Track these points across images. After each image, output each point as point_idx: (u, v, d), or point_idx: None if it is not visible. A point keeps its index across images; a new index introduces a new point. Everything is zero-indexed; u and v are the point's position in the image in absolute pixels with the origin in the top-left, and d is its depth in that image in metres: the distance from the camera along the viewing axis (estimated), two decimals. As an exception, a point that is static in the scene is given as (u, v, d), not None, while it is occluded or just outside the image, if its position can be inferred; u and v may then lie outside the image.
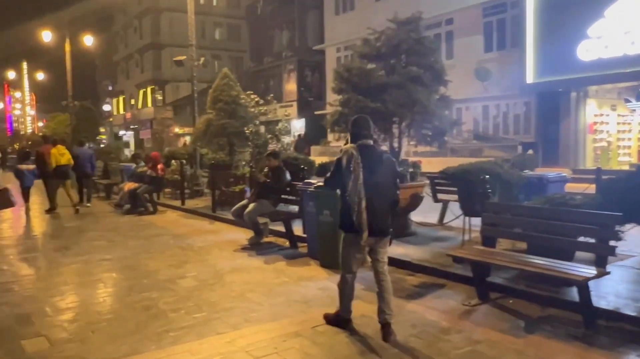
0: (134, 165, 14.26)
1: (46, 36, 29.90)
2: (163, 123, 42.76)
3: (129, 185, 13.18)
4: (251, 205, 8.45)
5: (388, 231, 4.55)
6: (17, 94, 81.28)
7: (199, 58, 15.13)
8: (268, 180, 8.61)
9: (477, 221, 6.73)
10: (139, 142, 52.08)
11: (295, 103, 32.74)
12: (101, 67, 66.45)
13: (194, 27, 15.04)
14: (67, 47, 29.37)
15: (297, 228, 8.43)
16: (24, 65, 73.76)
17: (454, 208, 8.44)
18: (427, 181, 9.03)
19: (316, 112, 27.09)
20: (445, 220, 9.15)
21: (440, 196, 9.25)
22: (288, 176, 8.68)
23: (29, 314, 5.42)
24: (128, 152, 30.27)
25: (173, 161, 15.73)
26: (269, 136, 13.02)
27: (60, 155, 13.27)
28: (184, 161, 15.09)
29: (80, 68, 59.34)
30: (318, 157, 17.92)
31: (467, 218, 7.52)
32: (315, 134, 26.05)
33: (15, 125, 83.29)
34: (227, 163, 12.77)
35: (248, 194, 10.42)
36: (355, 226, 4.33)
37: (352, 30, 25.50)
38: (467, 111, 21.79)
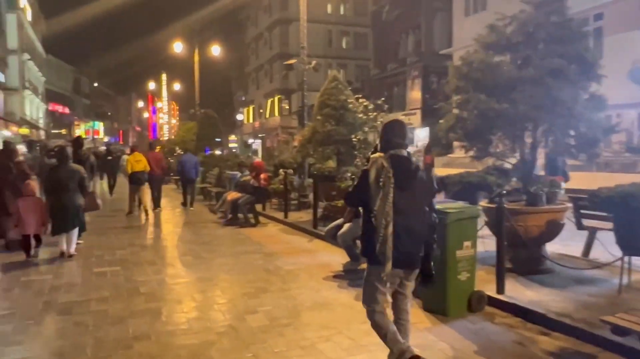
0: (239, 174, 13.63)
1: (182, 49, 31.58)
2: (286, 131, 43.04)
3: (232, 195, 12.52)
4: (346, 226, 7.16)
5: (419, 262, 3.77)
6: (160, 104, 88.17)
7: (310, 62, 14.24)
8: (367, 196, 7.24)
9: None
10: (266, 150, 53.18)
11: (419, 112, 30.93)
12: (236, 78, 69.37)
13: (305, 28, 14.21)
14: (196, 58, 30.61)
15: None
16: (163, 76, 79.89)
17: (605, 238, 6.53)
18: (570, 205, 7.14)
19: (441, 121, 25.15)
20: (593, 254, 7.21)
21: (586, 222, 7.31)
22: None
23: (63, 351, 4.60)
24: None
25: (281, 170, 14.93)
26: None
27: (136, 162, 13.35)
28: (292, 170, 14.24)
29: (219, 80, 62.75)
30: (442, 169, 16.29)
31: (626, 256, 5.63)
32: (441, 144, 24.17)
33: (159, 133, 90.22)
34: (332, 174, 11.60)
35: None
36: (377, 254, 3.57)
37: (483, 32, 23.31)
38: (618, 119, 18.69)
